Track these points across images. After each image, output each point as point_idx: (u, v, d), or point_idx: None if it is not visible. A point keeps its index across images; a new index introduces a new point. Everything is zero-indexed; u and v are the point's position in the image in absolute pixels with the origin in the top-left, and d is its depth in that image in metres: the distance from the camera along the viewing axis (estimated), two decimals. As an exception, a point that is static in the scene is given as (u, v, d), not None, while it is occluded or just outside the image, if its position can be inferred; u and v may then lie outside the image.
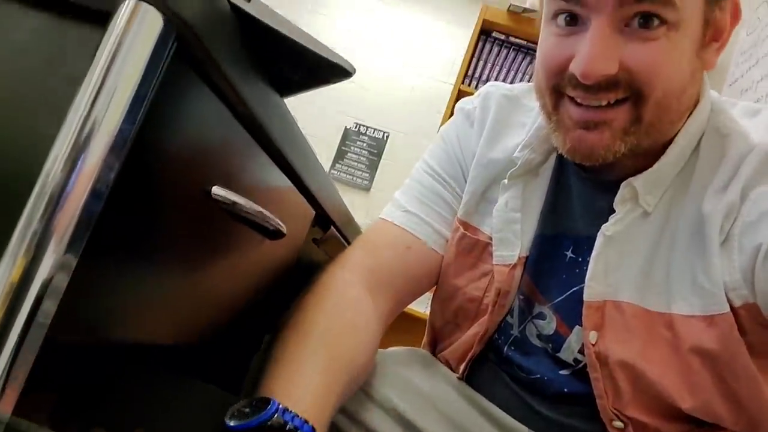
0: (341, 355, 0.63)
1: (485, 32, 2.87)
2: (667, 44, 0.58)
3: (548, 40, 0.64)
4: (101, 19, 0.31)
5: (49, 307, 0.30)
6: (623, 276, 0.67)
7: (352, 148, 3.39)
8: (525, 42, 2.83)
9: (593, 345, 0.68)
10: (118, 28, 0.30)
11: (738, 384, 0.63)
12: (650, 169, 0.66)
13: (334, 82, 0.46)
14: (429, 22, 3.43)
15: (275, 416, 0.51)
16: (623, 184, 0.67)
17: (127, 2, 0.29)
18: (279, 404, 0.52)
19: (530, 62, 2.82)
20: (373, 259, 0.76)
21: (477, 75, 2.88)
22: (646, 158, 0.66)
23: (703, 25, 0.61)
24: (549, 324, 0.74)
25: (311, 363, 0.60)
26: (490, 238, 0.77)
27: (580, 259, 0.72)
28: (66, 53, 0.32)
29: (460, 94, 2.80)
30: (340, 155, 3.38)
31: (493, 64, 2.87)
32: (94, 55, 0.30)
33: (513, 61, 2.86)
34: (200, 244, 0.47)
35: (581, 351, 0.71)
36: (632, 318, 0.67)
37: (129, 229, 0.36)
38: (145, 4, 0.29)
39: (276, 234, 0.55)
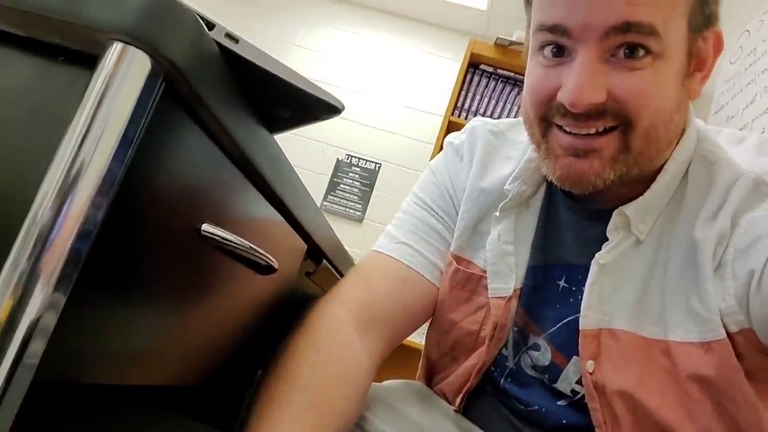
0: (329, 405, 0.62)
1: (473, 65, 2.92)
2: (652, 74, 0.59)
3: (536, 70, 0.65)
4: (90, 62, 0.31)
5: (37, 347, 0.30)
6: (618, 304, 0.67)
7: (344, 179, 3.40)
8: (512, 74, 2.87)
9: (590, 374, 0.67)
10: (105, 71, 0.30)
11: (737, 410, 0.63)
12: (641, 198, 0.66)
13: (324, 119, 0.47)
14: (418, 56, 3.49)
15: None
16: (615, 212, 0.67)
17: (114, 45, 0.30)
18: None
19: (518, 93, 2.86)
20: (367, 293, 0.75)
21: (466, 106, 2.92)
22: (635, 187, 0.67)
23: (687, 55, 0.62)
24: (544, 355, 0.73)
25: (297, 421, 0.58)
26: (484, 271, 0.77)
27: (574, 289, 0.72)
28: (55, 96, 0.33)
29: (450, 125, 2.83)
30: (332, 187, 3.39)
31: (481, 96, 2.91)
32: (82, 97, 0.30)
33: (501, 93, 2.90)
34: (192, 282, 0.46)
35: (579, 382, 0.70)
36: (628, 346, 0.66)
37: (119, 268, 0.36)
38: (132, 48, 0.30)
39: (268, 269, 0.55)
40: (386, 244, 0.80)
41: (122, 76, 0.31)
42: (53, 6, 0.30)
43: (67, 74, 0.33)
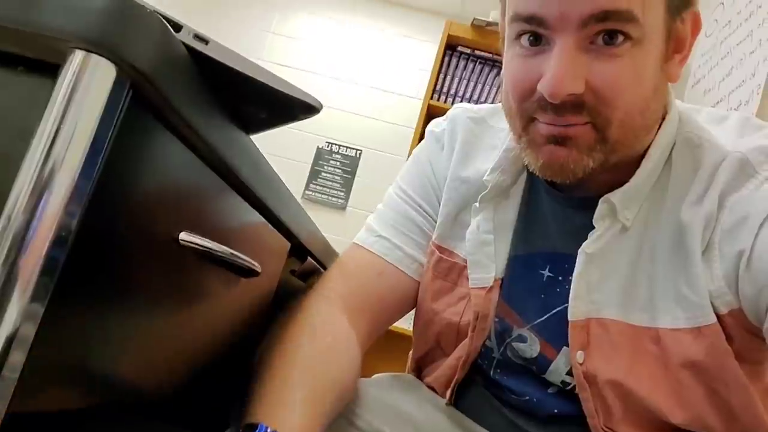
0: (325, 377, 0.63)
1: (451, 47, 2.89)
2: (631, 62, 0.58)
3: (514, 61, 0.63)
4: (52, 71, 0.30)
5: (17, 359, 0.29)
6: (606, 293, 0.67)
7: (325, 167, 3.38)
8: (490, 55, 2.86)
9: (581, 365, 0.67)
10: (68, 80, 0.28)
11: (729, 394, 0.62)
12: (627, 185, 0.65)
13: (303, 118, 0.45)
14: (394, 40, 3.45)
15: None
16: (601, 200, 0.66)
17: (75, 54, 0.28)
18: (267, 428, 0.53)
19: (497, 74, 2.85)
20: (346, 286, 0.76)
21: (445, 89, 2.89)
22: (618, 173, 0.65)
23: (666, 38, 0.61)
24: (531, 347, 0.72)
25: (297, 387, 0.60)
26: (466, 261, 0.76)
27: (560, 278, 0.71)
28: (17, 106, 0.31)
29: (429, 109, 2.81)
30: (313, 175, 3.37)
31: (460, 78, 2.89)
32: (46, 107, 0.29)
33: (480, 74, 2.88)
34: (174, 290, 0.45)
35: (569, 373, 0.69)
36: (617, 335, 0.66)
37: (96, 278, 0.35)
38: (95, 56, 0.28)
39: (250, 273, 0.54)
40: (365, 237, 0.81)
41: (86, 84, 0.29)
42: (8, 15, 0.28)
43: (28, 84, 0.31)
